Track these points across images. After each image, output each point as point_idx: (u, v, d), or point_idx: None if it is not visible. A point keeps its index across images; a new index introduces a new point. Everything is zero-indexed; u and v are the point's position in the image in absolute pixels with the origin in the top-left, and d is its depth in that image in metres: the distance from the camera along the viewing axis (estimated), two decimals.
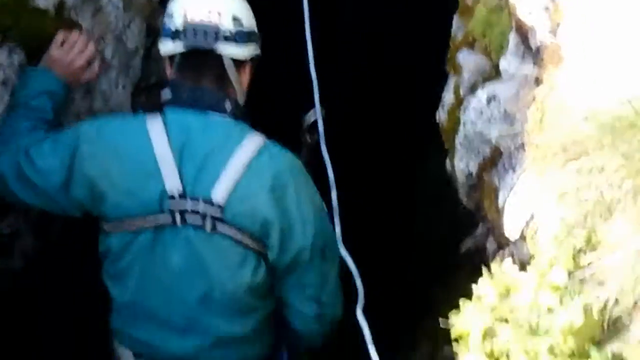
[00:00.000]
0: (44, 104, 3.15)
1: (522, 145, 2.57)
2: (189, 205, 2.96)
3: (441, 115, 3.20)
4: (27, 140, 3.05)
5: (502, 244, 2.80)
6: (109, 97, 3.48)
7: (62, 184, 3.00)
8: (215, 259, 3.03)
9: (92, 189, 2.99)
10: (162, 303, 3.08)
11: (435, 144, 3.47)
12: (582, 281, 2.03)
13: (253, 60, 3.20)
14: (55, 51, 3.22)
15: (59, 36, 3.24)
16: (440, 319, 2.20)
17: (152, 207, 2.98)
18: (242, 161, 2.99)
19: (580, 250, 2.07)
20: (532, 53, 2.68)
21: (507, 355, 2.04)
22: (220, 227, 2.98)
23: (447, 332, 2.28)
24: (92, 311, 3.37)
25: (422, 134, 3.93)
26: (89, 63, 3.31)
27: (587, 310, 1.98)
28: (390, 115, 5.84)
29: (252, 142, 3.04)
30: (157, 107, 3.13)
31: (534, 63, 2.65)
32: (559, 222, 2.12)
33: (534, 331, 2.01)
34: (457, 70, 3.11)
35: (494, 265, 2.20)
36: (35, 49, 3.15)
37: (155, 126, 3.01)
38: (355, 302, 3.04)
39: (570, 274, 2.04)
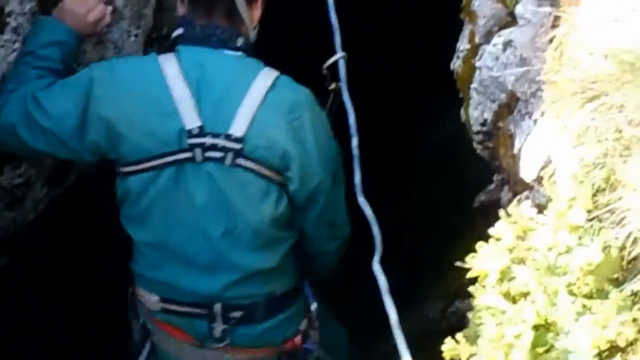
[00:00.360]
0: (53, 53, 3.10)
1: (539, 91, 2.55)
2: (208, 140, 2.97)
3: (456, 64, 3.17)
4: (34, 86, 3.01)
5: (518, 191, 2.78)
6: (121, 47, 3.44)
7: (76, 128, 2.97)
8: (237, 192, 3.03)
9: (109, 132, 2.97)
10: (187, 241, 3.07)
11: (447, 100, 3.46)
12: (601, 221, 2.01)
13: None
14: (68, 3, 3.17)
15: None
16: (457, 263, 2.19)
17: (171, 145, 2.97)
18: (258, 95, 3.00)
19: (599, 190, 2.05)
20: None
21: (525, 296, 2.03)
22: (241, 160, 2.99)
23: (459, 287, 2.27)
24: (107, 260, 3.36)
25: (436, 86, 3.91)
26: (102, 16, 3.27)
27: (606, 249, 1.97)
28: (410, 65, 5.80)
29: (267, 76, 3.05)
30: None
31: (552, 6, 2.61)
32: (577, 162, 2.10)
33: (552, 270, 2.00)
34: (473, 18, 3.07)
35: (511, 208, 2.19)
36: None
37: (169, 64, 3.01)
38: (371, 253, 3.01)
39: (589, 213, 2.03)
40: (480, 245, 2.13)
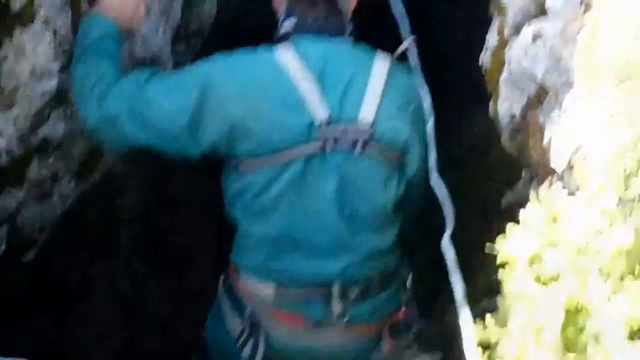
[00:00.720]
0: (111, 45, 3.12)
1: (569, 81, 2.52)
2: (338, 130, 3.02)
3: (485, 58, 3.16)
4: (134, 79, 3.05)
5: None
6: (150, 42, 3.45)
7: (187, 125, 2.99)
8: (365, 178, 3.10)
9: (233, 130, 2.99)
10: (313, 230, 3.09)
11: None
12: (632, 204, 1.99)
13: None
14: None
15: None
16: (487, 245, 2.17)
17: (301, 137, 3.01)
18: (380, 81, 3.10)
19: (631, 173, 2.03)
20: None
21: (555, 279, 2.01)
22: (369, 147, 3.06)
23: (486, 287, 2.24)
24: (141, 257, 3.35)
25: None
26: (139, 10, 3.28)
27: (637, 232, 1.95)
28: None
29: (383, 62, 3.16)
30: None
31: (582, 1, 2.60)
32: (609, 146, 2.08)
33: (583, 253, 1.98)
34: (502, 11, 3.05)
35: (542, 191, 2.17)
36: None
37: (287, 57, 3.06)
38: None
39: (620, 196, 2.01)
40: (510, 228, 2.11)
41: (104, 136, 3.11)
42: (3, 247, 3.23)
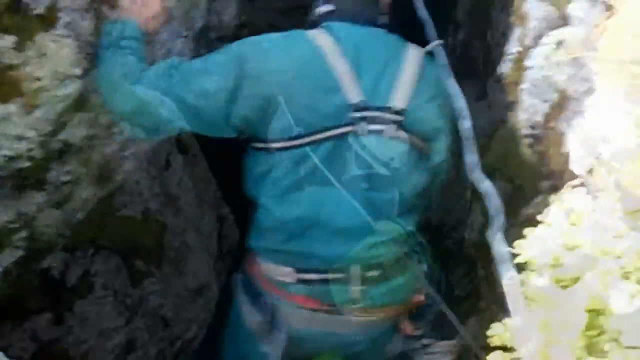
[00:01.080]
0: (134, 44, 3.12)
1: (591, 88, 2.52)
2: (371, 114, 3.08)
3: (504, 67, 3.16)
4: (164, 65, 3.10)
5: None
6: (171, 47, 3.46)
7: (223, 105, 3.04)
8: (392, 163, 3.12)
9: (266, 108, 3.04)
10: (336, 212, 3.10)
11: None
12: None
13: None
14: (125, 1, 3.19)
15: None
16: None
17: (333, 119, 3.06)
18: (412, 70, 3.17)
19: None
20: None
21: (576, 281, 2.00)
22: (399, 132, 3.11)
23: None
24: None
25: None
26: (154, 15, 3.29)
27: None
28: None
29: (415, 52, 3.24)
30: None
31: (606, 7, 2.59)
32: (631, 151, 2.07)
33: (605, 255, 1.97)
34: (523, 21, 3.06)
35: (562, 194, 2.17)
36: None
37: (323, 40, 3.12)
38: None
39: None
40: (530, 230, 2.11)
41: (139, 122, 3.10)
42: (21, 252, 3.22)
